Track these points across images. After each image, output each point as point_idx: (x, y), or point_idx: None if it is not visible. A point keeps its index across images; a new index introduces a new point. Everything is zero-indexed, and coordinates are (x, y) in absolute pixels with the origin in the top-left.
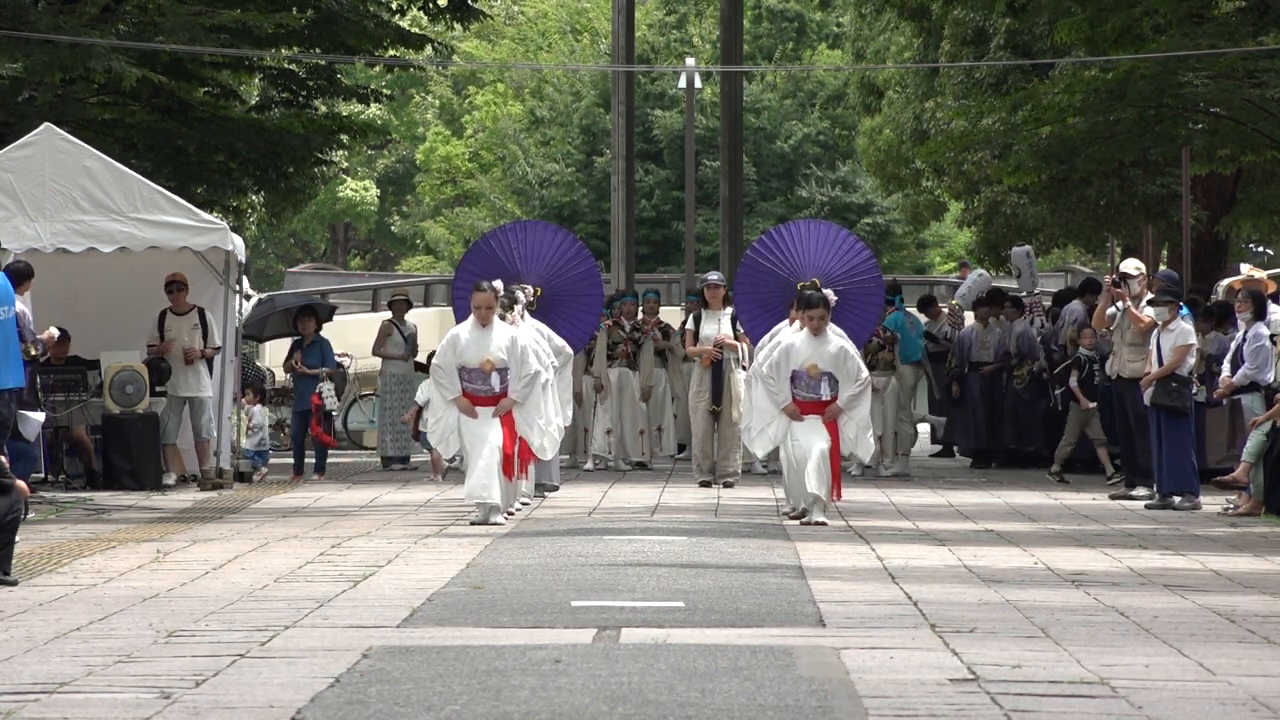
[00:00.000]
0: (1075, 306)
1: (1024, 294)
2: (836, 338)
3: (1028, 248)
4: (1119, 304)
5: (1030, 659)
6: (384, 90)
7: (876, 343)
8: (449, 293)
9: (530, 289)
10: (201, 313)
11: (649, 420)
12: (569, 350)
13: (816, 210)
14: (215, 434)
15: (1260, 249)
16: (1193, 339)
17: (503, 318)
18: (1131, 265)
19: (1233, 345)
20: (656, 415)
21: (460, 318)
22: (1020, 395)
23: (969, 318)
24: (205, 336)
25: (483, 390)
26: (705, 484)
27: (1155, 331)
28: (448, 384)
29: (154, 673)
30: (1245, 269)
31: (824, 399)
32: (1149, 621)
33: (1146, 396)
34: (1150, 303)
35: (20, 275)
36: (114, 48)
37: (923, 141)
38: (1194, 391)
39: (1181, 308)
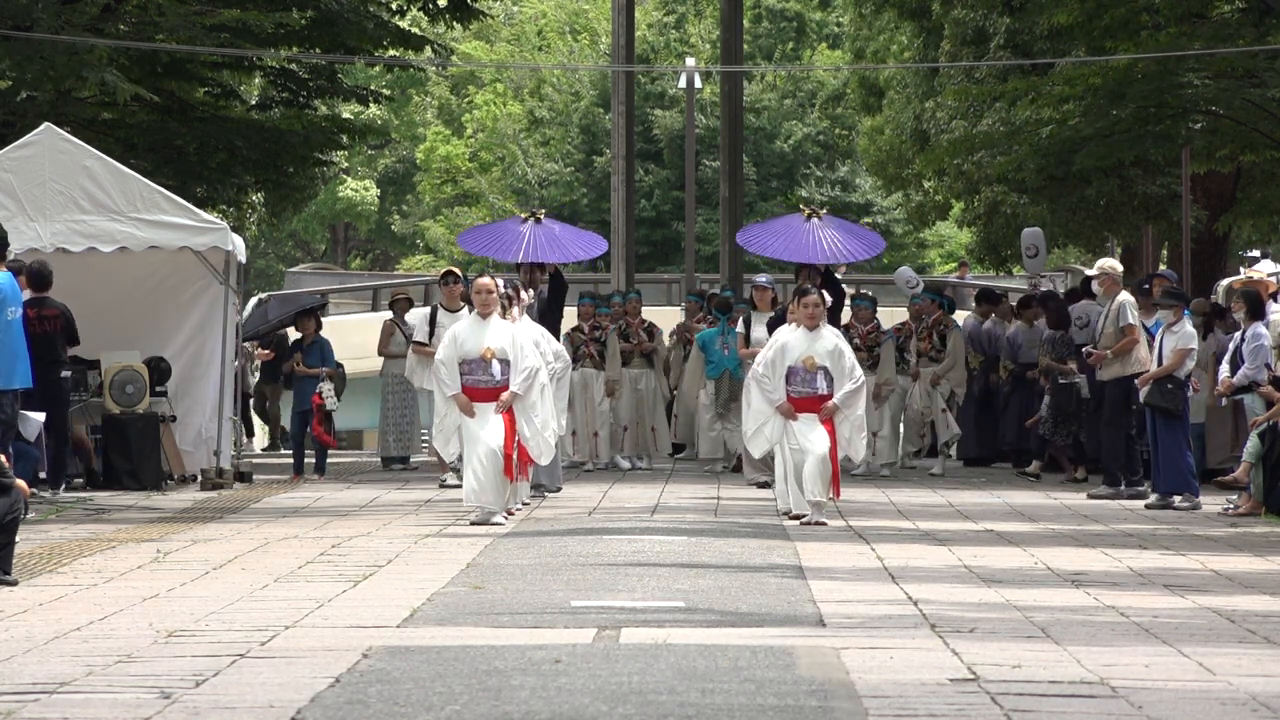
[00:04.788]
0: (1083, 306)
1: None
2: (832, 335)
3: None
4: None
5: (1030, 659)
6: (384, 91)
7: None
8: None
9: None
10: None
11: (637, 419)
12: (567, 358)
13: None
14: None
15: (1255, 253)
16: (1193, 343)
17: (503, 317)
18: (1096, 268)
19: (1231, 345)
20: (649, 415)
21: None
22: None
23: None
24: None
25: (483, 381)
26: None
27: (1159, 332)
28: (448, 379)
29: (154, 673)
30: (1245, 272)
31: (821, 394)
32: (1149, 621)
33: (1141, 395)
34: (1156, 304)
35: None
36: (113, 48)
37: (924, 142)
38: (1191, 393)
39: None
